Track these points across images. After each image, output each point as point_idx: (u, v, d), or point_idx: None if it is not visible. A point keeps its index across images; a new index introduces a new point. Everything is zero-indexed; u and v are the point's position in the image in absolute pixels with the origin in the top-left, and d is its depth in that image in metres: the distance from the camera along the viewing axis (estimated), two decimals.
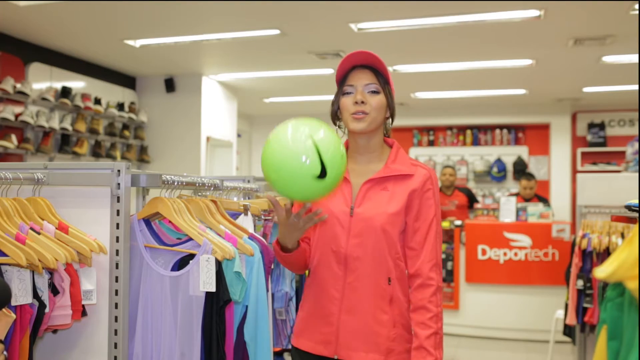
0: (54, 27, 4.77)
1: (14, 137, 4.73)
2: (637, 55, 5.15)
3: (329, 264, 1.59)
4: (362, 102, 1.56)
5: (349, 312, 1.56)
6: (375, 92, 1.58)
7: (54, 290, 1.46)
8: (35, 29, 4.81)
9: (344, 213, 1.58)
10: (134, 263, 1.65)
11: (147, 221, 1.70)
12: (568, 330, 3.87)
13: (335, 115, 1.67)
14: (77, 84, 5.65)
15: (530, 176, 6.04)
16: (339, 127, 1.68)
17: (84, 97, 5.53)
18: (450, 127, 8.63)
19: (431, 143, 8.70)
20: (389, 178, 1.59)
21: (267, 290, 1.84)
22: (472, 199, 6.34)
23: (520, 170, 7.98)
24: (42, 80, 5.20)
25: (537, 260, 5.15)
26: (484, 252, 5.30)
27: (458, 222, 5.56)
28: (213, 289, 1.56)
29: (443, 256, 5.49)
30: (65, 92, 5.32)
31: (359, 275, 1.55)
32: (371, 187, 1.59)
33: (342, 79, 1.63)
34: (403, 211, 1.56)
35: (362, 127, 1.57)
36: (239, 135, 7.92)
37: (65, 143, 5.34)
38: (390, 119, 1.67)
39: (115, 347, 1.56)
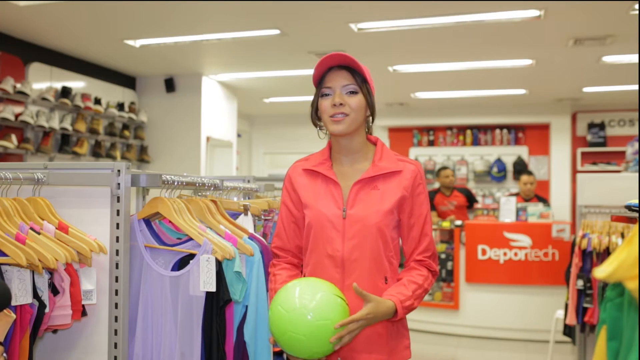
0: (54, 27, 4.77)
1: (14, 137, 4.73)
2: (637, 55, 5.15)
3: (325, 269, 1.57)
4: (341, 104, 1.55)
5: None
6: (353, 93, 1.57)
7: (54, 290, 1.46)
8: (35, 29, 4.81)
9: (336, 216, 1.57)
10: (134, 263, 1.65)
11: (147, 221, 1.71)
12: (568, 330, 3.87)
13: (316, 117, 1.65)
14: (77, 84, 5.65)
15: (529, 172, 6.06)
16: (320, 128, 1.66)
17: (84, 97, 5.53)
18: (450, 127, 8.63)
19: (431, 143, 8.70)
20: (378, 177, 1.59)
21: (267, 290, 1.84)
22: (471, 200, 6.34)
23: (520, 170, 7.98)
24: (42, 80, 5.20)
25: (537, 260, 5.15)
26: (484, 252, 5.30)
27: (458, 222, 5.56)
28: (213, 288, 1.56)
29: (443, 256, 5.53)
30: (65, 92, 5.32)
31: (357, 277, 1.54)
32: (362, 188, 1.58)
33: (319, 80, 1.61)
34: (396, 209, 1.57)
35: (341, 129, 1.56)
36: (239, 135, 7.92)
37: (65, 143, 5.34)
38: (371, 118, 1.64)
39: (115, 347, 1.57)
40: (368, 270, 1.54)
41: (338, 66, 1.58)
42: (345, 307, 1.44)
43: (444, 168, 6.38)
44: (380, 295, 1.52)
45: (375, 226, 1.54)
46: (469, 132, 8.54)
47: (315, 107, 1.63)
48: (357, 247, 1.53)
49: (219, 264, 1.58)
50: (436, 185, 6.76)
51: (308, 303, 1.40)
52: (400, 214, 1.58)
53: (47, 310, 1.42)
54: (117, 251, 1.58)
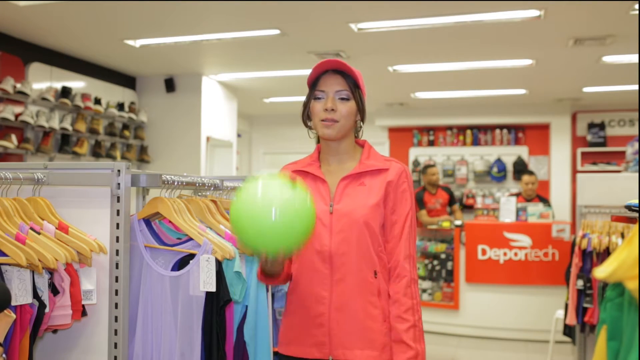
0: (54, 27, 4.77)
1: (14, 137, 4.73)
2: (637, 55, 5.14)
3: (313, 265, 1.58)
4: (332, 110, 1.58)
5: (339, 310, 1.55)
6: (345, 99, 1.60)
7: (54, 290, 1.47)
8: (35, 29, 4.81)
9: (323, 211, 1.58)
10: (134, 263, 1.65)
11: (147, 221, 1.71)
12: (568, 330, 3.88)
13: (307, 117, 1.68)
14: (77, 84, 5.65)
15: (530, 172, 6.05)
16: (310, 128, 1.69)
17: (84, 97, 5.53)
18: (450, 127, 8.62)
19: (431, 143, 8.69)
20: (365, 173, 1.61)
21: (267, 290, 1.84)
22: (452, 197, 6.34)
23: (520, 170, 7.98)
24: (42, 80, 5.20)
25: (537, 260, 5.15)
26: (484, 252, 5.30)
27: (458, 222, 5.57)
28: (213, 288, 1.56)
29: (443, 256, 5.52)
30: (65, 92, 5.32)
31: (346, 272, 1.55)
32: (349, 184, 1.61)
33: (313, 83, 1.64)
34: (382, 203, 1.58)
35: (331, 134, 1.60)
36: (239, 135, 7.92)
37: (65, 143, 5.33)
38: (361, 122, 1.68)
39: (115, 347, 1.57)
40: (356, 264, 1.55)
41: (333, 70, 1.62)
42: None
43: (431, 166, 6.38)
44: (369, 289, 1.54)
45: (361, 219, 1.55)
46: (469, 132, 8.53)
47: (307, 108, 1.66)
48: (345, 241, 1.54)
49: (219, 263, 1.58)
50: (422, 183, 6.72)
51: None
52: (385, 208, 1.59)
53: (47, 310, 1.42)
54: (117, 251, 1.58)
